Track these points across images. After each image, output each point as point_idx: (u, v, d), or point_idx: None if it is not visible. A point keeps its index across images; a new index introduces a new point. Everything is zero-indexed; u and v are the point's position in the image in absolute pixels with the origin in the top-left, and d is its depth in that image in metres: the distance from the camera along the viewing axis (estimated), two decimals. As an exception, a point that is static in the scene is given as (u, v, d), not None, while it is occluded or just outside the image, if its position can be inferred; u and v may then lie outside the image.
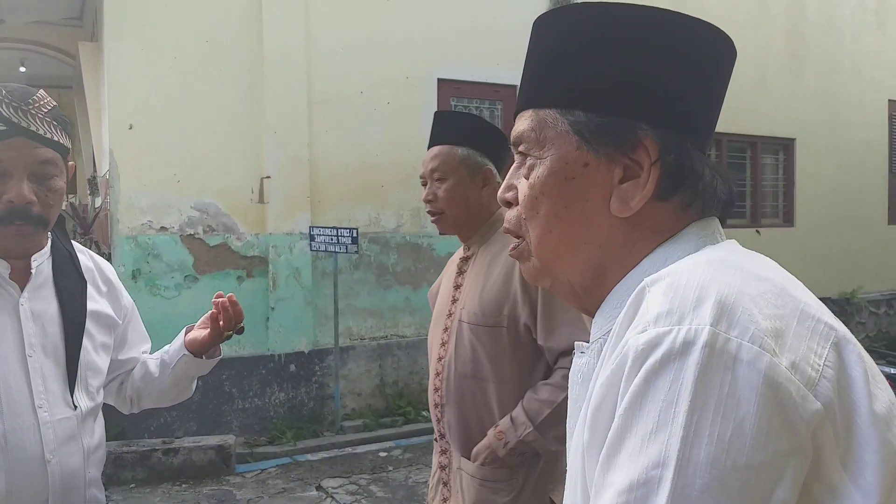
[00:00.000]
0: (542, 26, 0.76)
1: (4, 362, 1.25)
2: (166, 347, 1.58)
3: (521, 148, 0.76)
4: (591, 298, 0.75)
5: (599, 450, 0.60)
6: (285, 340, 5.29)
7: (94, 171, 7.60)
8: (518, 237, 0.78)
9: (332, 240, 5.08)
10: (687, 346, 0.56)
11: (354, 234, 5.00)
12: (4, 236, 1.25)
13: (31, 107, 1.23)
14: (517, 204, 0.76)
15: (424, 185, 1.87)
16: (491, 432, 1.62)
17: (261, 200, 5.26)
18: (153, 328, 4.82)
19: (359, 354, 5.59)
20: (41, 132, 1.23)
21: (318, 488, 4.26)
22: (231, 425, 5.05)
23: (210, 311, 1.50)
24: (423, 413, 5.59)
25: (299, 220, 5.35)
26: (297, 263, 5.34)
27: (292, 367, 5.31)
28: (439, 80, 5.85)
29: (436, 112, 1.93)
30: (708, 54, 0.73)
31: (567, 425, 0.77)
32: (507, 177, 0.79)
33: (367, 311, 5.66)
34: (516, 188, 0.77)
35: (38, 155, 1.23)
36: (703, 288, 0.60)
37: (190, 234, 5.03)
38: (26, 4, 6.98)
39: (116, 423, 4.78)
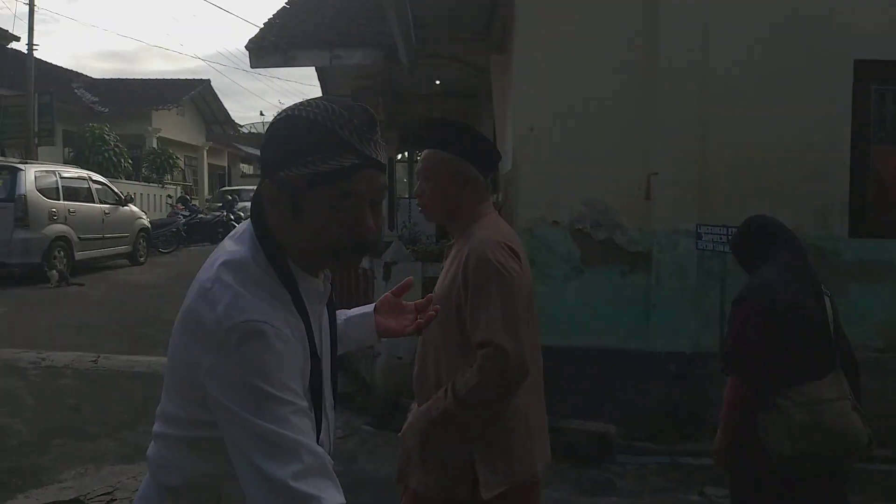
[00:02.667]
0: None
1: (328, 382, 1.31)
2: (342, 316, 1.56)
3: None
4: None
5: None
6: (666, 339, 5.24)
7: (496, 171, 8.49)
8: None
9: (721, 239, 4.87)
10: None
11: (747, 234, 4.72)
12: (339, 263, 1.26)
13: (375, 136, 1.18)
14: None
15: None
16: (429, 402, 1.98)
17: (647, 197, 5.29)
18: (543, 313, 5.15)
19: (744, 361, 5.27)
20: (382, 160, 1.21)
21: (701, 494, 4.15)
22: (609, 415, 5.19)
23: (393, 295, 1.57)
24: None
25: (686, 218, 5.24)
26: (682, 262, 5.25)
27: (672, 367, 5.24)
28: (856, 63, 5.18)
29: (428, 119, 2.06)
30: None
31: None
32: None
33: (756, 317, 5.30)
34: None
35: (379, 183, 1.21)
36: None
37: (578, 229, 5.30)
38: (444, 24, 8.07)
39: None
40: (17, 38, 17.62)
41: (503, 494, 1.95)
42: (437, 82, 11.17)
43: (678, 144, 5.20)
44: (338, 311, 1.50)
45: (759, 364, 2.43)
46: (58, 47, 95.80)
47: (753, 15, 5.20)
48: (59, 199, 11.49)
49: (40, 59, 19.12)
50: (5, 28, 17.59)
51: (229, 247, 1.22)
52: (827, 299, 2.55)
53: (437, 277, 2.09)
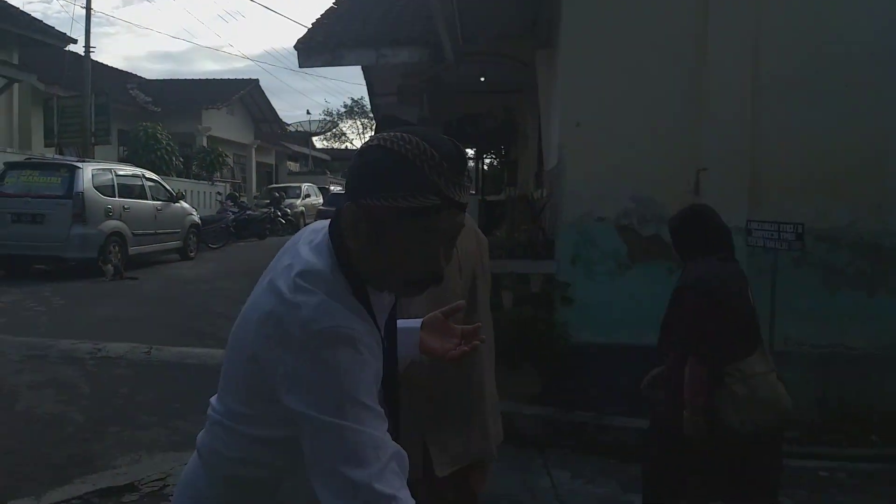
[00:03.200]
0: None
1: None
2: (399, 324, 1.52)
3: None
4: None
5: None
6: (714, 336, 5.14)
7: (540, 166, 8.42)
8: None
9: (772, 235, 4.76)
10: None
11: (799, 230, 4.60)
12: (407, 292, 1.28)
13: (461, 178, 1.18)
14: None
15: None
16: None
17: (696, 193, 5.19)
18: (587, 309, 5.21)
19: (795, 362, 5.12)
20: (465, 202, 1.20)
21: (749, 494, 4.07)
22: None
23: (443, 317, 1.51)
24: (872, 437, 4.89)
25: (736, 214, 5.11)
26: (732, 258, 5.14)
27: (720, 365, 5.14)
28: (917, 53, 5.00)
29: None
30: None
31: None
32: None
33: (809, 315, 5.16)
34: None
35: (459, 223, 1.22)
36: None
37: (625, 225, 5.24)
38: (490, 21, 8.06)
39: (553, 392, 5.26)
40: (75, 41, 18.20)
41: (456, 473, 1.96)
42: (482, 79, 11.15)
43: (728, 138, 5.09)
44: None
45: (715, 345, 2.67)
46: (113, 49, 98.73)
47: (805, 6, 5.06)
48: (114, 196, 11.84)
49: (96, 61, 19.73)
50: (63, 31, 18.20)
51: (305, 255, 1.24)
52: (746, 280, 2.91)
53: None
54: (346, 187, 1.24)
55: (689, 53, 5.15)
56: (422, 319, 1.53)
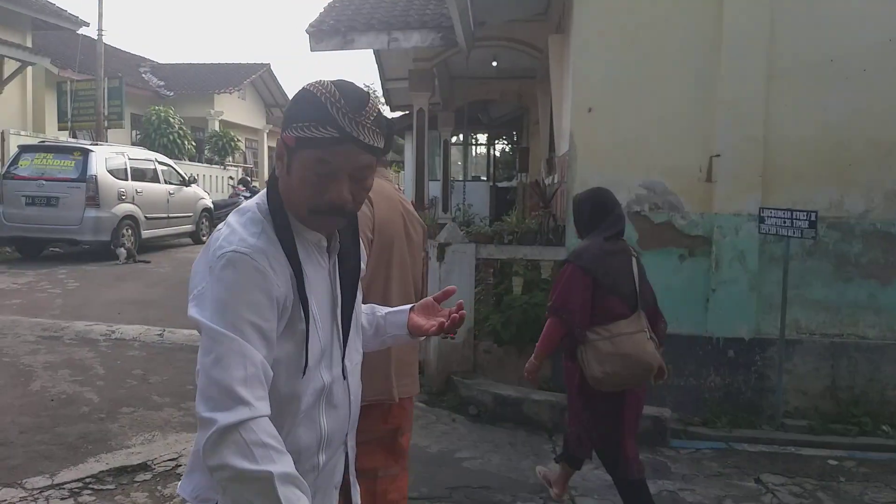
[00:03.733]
0: None
1: (325, 321, 1.42)
2: (383, 311, 1.72)
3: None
4: None
5: None
6: (725, 324, 5.14)
7: (551, 151, 8.40)
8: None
9: (784, 223, 4.74)
10: None
11: (812, 218, 4.58)
12: (319, 222, 1.39)
13: (362, 117, 1.31)
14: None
15: None
16: None
17: (708, 179, 5.17)
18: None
19: (806, 350, 5.12)
20: (366, 140, 1.32)
21: (757, 481, 4.07)
22: (664, 399, 5.11)
23: (432, 299, 1.67)
24: (883, 427, 4.89)
25: (748, 201, 5.10)
26: (743, 246, 5.12)
27: (730, 353, 5.14)
28: (935, 40, 4.93)
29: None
30: None
31: None
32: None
33: (821, 304, 5.14)
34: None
35: (359, 160, 1.34)
36: None
37: (637, 212, 5.21)
38: (503, 5, 8.01)
39: (562, 378, 5.28)
40: (87, 24, 18.23)
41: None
42: (494, 63, 11.10)
43: (742, 125, 5.05)
44: (385, 308, 1.74)
45: (577, 315, 3.15)
46: (125, 32, 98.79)
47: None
48: (127, 180, 11.91)
49: (109, 45, 19.77)
50: (76, 14, 18.22)
51: (247, 202, 1.45)
52: (634, 259, 3.32)
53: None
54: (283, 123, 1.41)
55: (702, 39, 5.10)
56: (412, 305, 1.71)
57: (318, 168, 1.32)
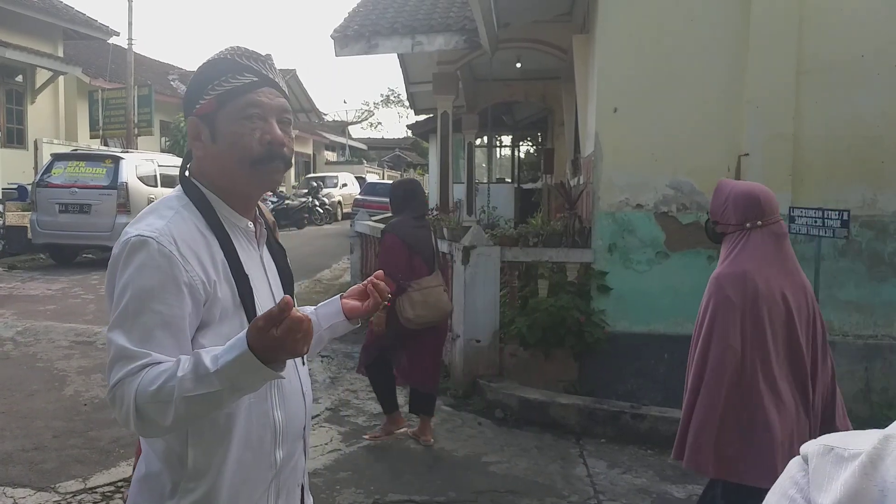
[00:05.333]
0: None
1: (266, 305, 1.35)
2: (310, 309, 1.62)
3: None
4: None
5: None
6: (755, 326, 5.05)
7: (576, 153, 8.34)
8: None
9: (815, 222, 4.64)
10: None
11: (845, 217, 4.48)
12: (262, 175, 1.36)
13: (270, 62, 1.39)
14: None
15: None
16: None
17: (737, 178, 5.08)
18: (624, 298, 5.14)
19: (839, 352, 5.01)
20: (282, 86, 1.40)
21: (789, 486, 4.00)
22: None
23: (362, 285, 1.61)
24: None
25: (778, 200, 5.00)
26: (773, 246, 5.03)
27: (761, 355, 5.05)
28: (971, 34, 4.81)
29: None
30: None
31: None
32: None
33: (853, 305, 5.04)
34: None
35: (282, 104, 1.39)
36: None
37: (664, 212, 5.16)
38: (527, 7, 7.98)
39: (589, 381, 5.23)
40: (118, 33, 18.58)
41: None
42: (518, 65, 11.06)
43: (771, 123, 4.98)
44: (309, 307, 1.66)
45: (401, 272, 4.18)
46: (154, 41, 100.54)
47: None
48: (156, 186, 12.07)
49: (138, 53, 20.11)
50: (106, 24, 18.57)
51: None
52: (433, 233, 4.63)
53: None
54: (184, 114, 1.43)
55: (730, 36, 5.04)
56: (340, 294, 1.66)
57: (249, 111, 1.33)
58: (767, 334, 2.44)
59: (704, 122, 5.11)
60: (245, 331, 1.14)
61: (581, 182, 7.54)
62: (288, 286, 1.48)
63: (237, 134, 1.33)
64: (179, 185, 1.39)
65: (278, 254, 1.50)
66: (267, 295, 1.40)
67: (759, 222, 2.58)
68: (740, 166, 5.06)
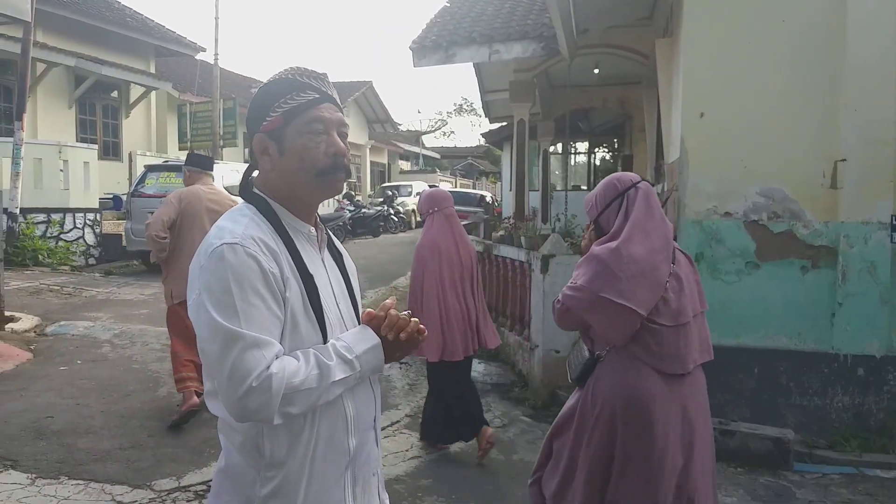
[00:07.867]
0: None
1: (332, 302, 1.47)
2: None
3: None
4: None
5: None
6: (853, 340, 4.79)
7: (659, 159, 8.15)
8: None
9: (921, 231, 4.38)
10: None
11: (953, 226, 4.21)
12: (327, 184, 1.46)
13: (326, 80, 1.48)
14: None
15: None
16: None
17: (833, 186, 4.85)
18: (712, 310, 4.93)
19: (947, 367, 4.70)
20: (338, 101, 1.49)
21: (894, 510, 3.77)
22: (786, 419, 4.84)
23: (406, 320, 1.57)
24: None
25: (878, 208, 4.76)
26: (873, 256, 4.77)
27: (860, 371, 4.79)
28: None
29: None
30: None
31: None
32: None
33: (963, 318, 4.71)
34: None
35: (340, 118, 1.47)
36: None
37: (754, 221, 4.97)
38: (606, 12, 7.87)
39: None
40: (204, 49, 19.40)
41: None
42: (596, 71, 10.90)
43: (870, 127, 4.72)
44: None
45: None
46: (238, 56, 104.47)
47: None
48: (240, 196, 12.52)
49: (224, 68, 20.92)
50: (194, 41, 19.42)
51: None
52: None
53: None
54: (248, 132, 1.50)
55: (824, 36, 4.81)
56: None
57: (315, 127, 1.42)
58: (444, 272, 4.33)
59: (797, 126, 4.89)
60: (361, 327, 1.41)
61: (665, 189, 7.35)
62: (349, 287, 1.57)
63: (305, 147, 1.42)
64: (242, 199, 1.48)
65: (338, 258, 1.59)
66: (329, 294, 1.47)
67: (436, 209, 4.49)
68: (836, 172, 4.82)
